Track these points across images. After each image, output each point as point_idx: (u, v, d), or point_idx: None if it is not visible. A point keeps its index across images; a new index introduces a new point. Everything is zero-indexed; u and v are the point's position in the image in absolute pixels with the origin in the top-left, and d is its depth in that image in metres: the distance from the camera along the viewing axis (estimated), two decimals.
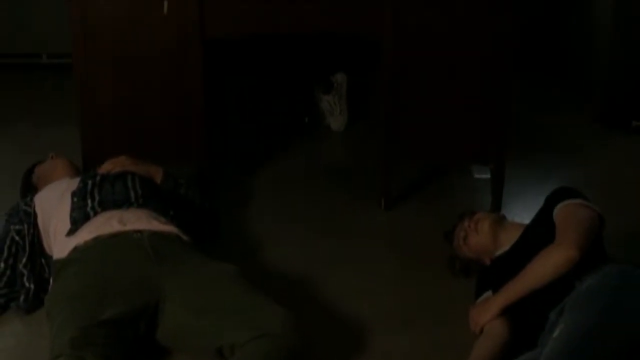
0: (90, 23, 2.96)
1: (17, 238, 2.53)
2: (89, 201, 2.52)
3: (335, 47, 3.75)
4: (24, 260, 2.50)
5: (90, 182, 2.61)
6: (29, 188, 2.86)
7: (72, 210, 2.51)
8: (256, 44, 3.75)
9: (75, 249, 2.37)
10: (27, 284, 2.46)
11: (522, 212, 2.96)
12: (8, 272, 2.49)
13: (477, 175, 3.41)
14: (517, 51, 3.08)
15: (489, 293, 2.34)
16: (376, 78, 3.29)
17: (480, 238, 2.50)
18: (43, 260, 2.54)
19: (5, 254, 2.51)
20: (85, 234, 2.40)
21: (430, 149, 3.15)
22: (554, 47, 4.61)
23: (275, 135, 3.87)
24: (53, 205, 2.57)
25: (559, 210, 2.32)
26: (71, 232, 2.44)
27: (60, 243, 2.45)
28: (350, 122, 3.94)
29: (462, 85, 3.04)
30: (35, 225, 2.57)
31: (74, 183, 2.66)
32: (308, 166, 3.58)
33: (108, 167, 2.71)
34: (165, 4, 2.94)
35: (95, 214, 2.47)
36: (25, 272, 2.48)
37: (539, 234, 2.33)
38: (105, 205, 2.51)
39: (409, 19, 2.95)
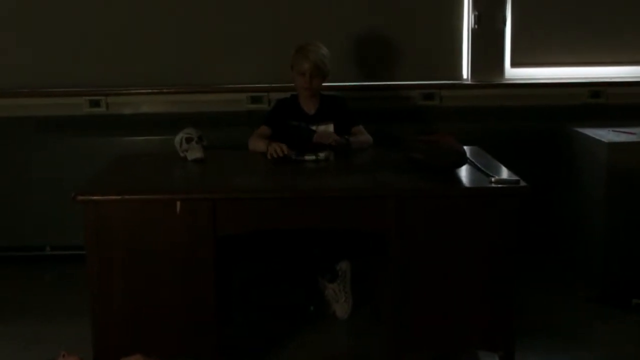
0: (103, 224, 3.04)
1: None
2: None
3: (338, 236, 3.83)
4: None
5: None
6: None
7: None
8: (261, 233, 3.81)
9: None
10: None
11: None
12: None
13: None
14: None
15: None
16: (379, 262, 3.39)
17: None
18: None
19: None
20: None
21: (437, 338, 3.18)
22: (542, 224, 4.62)
23: (280, 324, 3.85)
24: None
25: None
26: None
27: None
28: (354, 306, 3.93)
29: (467, 275, 3.11)
30: None
31: None
32: (314, 357, 3.55)
33: None
34: (178, 204, 3.02)
35: None
36: None
37: None
38: None
39: (414, 214, 3.05)
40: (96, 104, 4.67)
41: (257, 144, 3.86)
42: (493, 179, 3.09)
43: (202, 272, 3.08)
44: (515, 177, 3.12)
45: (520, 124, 4.60)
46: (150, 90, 4.67)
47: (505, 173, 3.24)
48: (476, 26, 4.62)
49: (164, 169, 3.56)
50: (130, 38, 4.65)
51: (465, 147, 3.36)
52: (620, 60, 4.69)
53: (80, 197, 3.00)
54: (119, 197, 3.03)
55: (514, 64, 4.71)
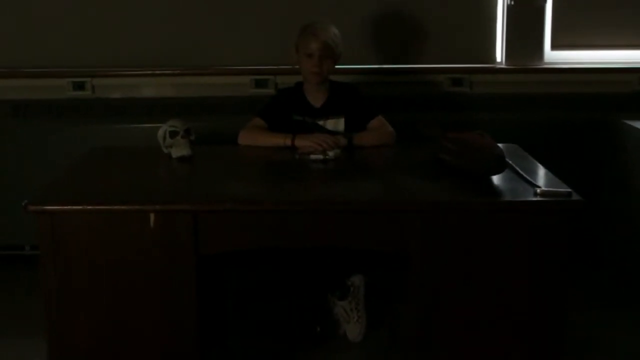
0: (60, 240, 2.54)
1: None
2: None
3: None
4: None
5: None
6: None
7: None
8: None
9: None
10: None
11: None
12: None
13: None
14: None
15: None
16: (398, 277, 2.92)
17: None
18: None
19: None
20: None
21: None
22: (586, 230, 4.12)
23: (281, 347, 3.36)
24: None
25: None
26: None
27: None
28: (368, 327, 3.42)
29: (506, 304, 2.59)
30: None
31: None
32: None
33: None
34: (152, 217, 2.50)
35: None
36: None
37: None
38: None
39: (443, 233, 2.54)
40: (80, 86, 4.25)
41: (263, 138, 3.32)
42: (539, 190, 2.54)
43: (181, 296, 2.57)
44: (566, 189, 2.56)
45: (561, 115, 4.18)
46: (141, 72, 4.24)
47: (552, 181, 2.69)
48: (512, 2, 4.19)
49: (142, 168, 3.06)
50: (120, 12, 4.20)
51: (500, 145, 2.83)
52: None
53: (32, 208, 2.48)
54: (80, 207, 2.52)
55: (554, 46, 4.28)
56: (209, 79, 4.24)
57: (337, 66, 3.48)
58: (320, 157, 3.06)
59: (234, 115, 4.03)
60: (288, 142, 3.26)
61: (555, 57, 4.30)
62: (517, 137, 3.47)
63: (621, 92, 4.25)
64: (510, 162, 2.78)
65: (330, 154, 3.08)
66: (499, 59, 4.29)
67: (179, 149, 3.08)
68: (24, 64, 4.22)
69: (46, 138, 4.14)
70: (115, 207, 2.52)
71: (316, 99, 3.50)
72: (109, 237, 2.53)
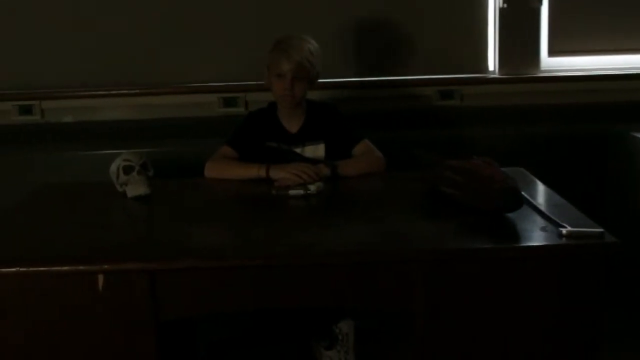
0: None
1: None
2: None
3: None
4: None
5: None
6: None
7: None
8: None
9: None
10: None
11: None
12: None
13: None
14: None
15: None
16: (393, 319, 2.55)
17: None
18: None
19: None
20: None
21: None
22: None
23: None
24: None
25: None
26: None
27: None
28: None
29: None
30: None
31: None
32: None
33: None
34: (101, 278, 2.06)
35: None
36: None
37: None
38: None
39: (449, 286, 2.13)
40: (27, 110, 3.85)
41: (233, 169, 2.93)
42: (565, 231, 2.13)
43: None
44: (597, 228, 2.15)
45: (561, 128, 3.86)
46: (95, 92, 3.84)
47: (577, 218, 2.29)
48: (505, 5, 3.85)
49: (92, 212, 2.64)
50: (71, 25, 3.79)
51: (504, 169, 2.44)
52: None
53: None
54: (13, 269, 2.07)
55: (552, 52, 3.96)
56: (172, 98, 3.86)
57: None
58: (301, 191, 2.65)
59: (201, 138, 3.72)
60: (262, 173, 2.86)
61: (552, 64, 3.99)
62: (513, 154, 3.25)
63: (627, 100, 3.92)
64: (526, 196, 2.37)
65: (312, 187, 2.67)
66: (491, 68, 3.97)
67: (135, 188, 2.65)
68: None
69: None
70: (55, 268, 2.08)
71: (292, 122, 3.10)
72: (49, 302, 2.10)
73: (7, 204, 2.79)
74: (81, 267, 2.09)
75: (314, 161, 2.99)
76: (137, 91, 3.83)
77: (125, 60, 3.80)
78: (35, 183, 3.07)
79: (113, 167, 2.71)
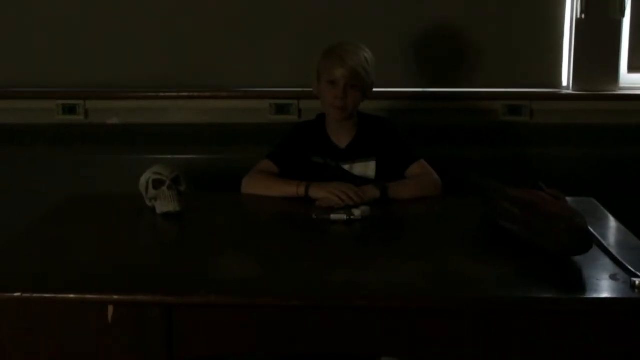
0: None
1: None
2: None
3: None
4: None
5: None
6: None
7: None
8: None
9: None
10: None
11: None
12: None
13: None
14: None
15: None
16: None
17: None
18: None
19: None
20: None
21: None
22: None
23: None
24: None
25: None
26: None
27: None
28: None
29: None
30: None
31: None
32: None
33: None
34: (111, 310, 1.86)
35: None
36: None
37: None
38: None
39: (505, 339, 1.86)
40: (72, 110, 3.75)
41: (271, 186, 2.72)
42: (638, 282, 1.86)
43: None
44: None
45: (639, 151, 3.63)
46: (142, 94, 3.71)
47: None
48: (583, 15, 3.61)
49: (115, 230, 2.45)
50: (118, 24, 3.67)
51: (570, 199, 2.24)
52: None
53: None
54: (17, 295, 1.89)
55: (632, 68, 3.73)
56: (222, 102, 3.71)
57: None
58: (344, 216, 2.41)
59: (250, 145, 3.58)
60: (301, 191, 2.65)
61: (632, 80, 3.75)
62: (584, 179, 3.23)
63: None
64: (596, 234, 2.10)
65: (356, 212, 2.43)
66: (565, 83, 3.75)
67: (164, 204, 2.46)
68: (7, 83, 3.74)
69: (30, 168, 3.70)
70: (62, 295, 1.89)
71: (341, 136, 2.88)
72: (56, 334, 1.92)
73: (43, 206, 2.69)
74: (91, 296, 1.89)
75: (363, 180, 2.76)
76: (186, 94, 3.69)
77: (175, 62, 3.68)
78: (76, 184, 3.14)
79: (142, 180, 2.52)
